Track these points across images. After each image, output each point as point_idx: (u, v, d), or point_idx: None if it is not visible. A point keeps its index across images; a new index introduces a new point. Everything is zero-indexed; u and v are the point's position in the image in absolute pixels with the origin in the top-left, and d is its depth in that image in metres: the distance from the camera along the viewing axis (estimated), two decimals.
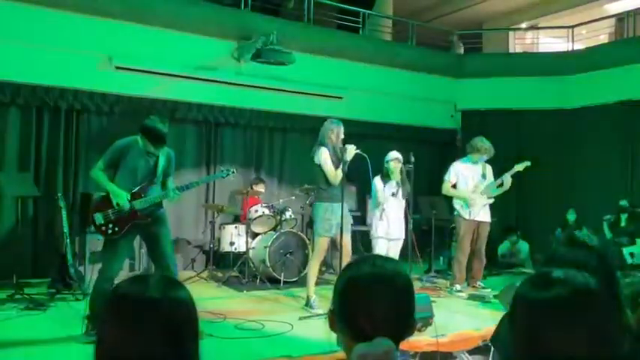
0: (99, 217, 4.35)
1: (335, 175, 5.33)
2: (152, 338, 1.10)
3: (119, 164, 4.42)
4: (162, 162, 4.49)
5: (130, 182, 4.40)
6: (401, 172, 6.01)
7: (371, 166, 5.46)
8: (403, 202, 6.07)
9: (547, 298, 1.09)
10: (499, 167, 6.71)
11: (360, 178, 5.62)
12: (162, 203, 4.57)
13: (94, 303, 4.25)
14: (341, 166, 5.30)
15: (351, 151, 5.25)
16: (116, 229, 4.34)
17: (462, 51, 10.48)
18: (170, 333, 1.11)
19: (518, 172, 6.56)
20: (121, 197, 4.32)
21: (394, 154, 6.06)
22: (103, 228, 4.35)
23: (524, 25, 12.71)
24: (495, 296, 5.97)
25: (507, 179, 6.52)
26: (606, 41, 10.64)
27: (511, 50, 12.02)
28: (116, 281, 4.38)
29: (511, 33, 12.26)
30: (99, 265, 6.52)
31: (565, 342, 1.06)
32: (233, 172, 4.93)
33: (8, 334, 4.47)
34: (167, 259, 4.45)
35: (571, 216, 8.38)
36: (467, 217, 6.51)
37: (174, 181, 4.78)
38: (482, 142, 6.58)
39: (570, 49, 9.86)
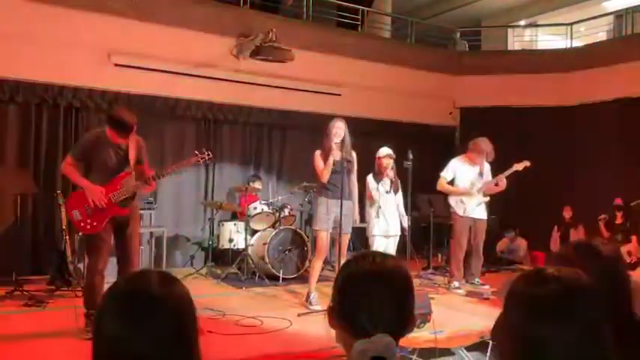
0: (77, 214, 4.29)
1: (321, 172, 5.39)
2: (155, 335, 1.10)
3: (90, 158, 4.35)
4: (132, 151, 4.42)
5: (103, 175, 4.32)
6: (392, 168, 6.00)
7: (369, 163, 5.49)
8: (398, 198, 6.06)
9: (541, 294, 1.11)
10: (497, 164, 6.71)
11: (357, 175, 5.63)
12: (135, 194, 4.48)
13: (88, 298, 4.25)
14: (329, 164, 5.32)
15: (334, 152, 5.32)
16: (95, 223, 4.28)
17: (466, 48, 10.49)
18: (173, 329, 1.12)
19: (516, 171, 6.54)
20: (97, 193, 4.24)
21: (385, 151, 6.05)
22: (82, 224, 4.29)
23: (522, 23, 12.70)
24: (494, 293, 6.00)
25: (502, 180, 6.51)
26: (605, 38, 10.65)
27: (510, 47, 12.02)
28: (108, 274, 4.39)
29: (510, 30, 12.26)
30: None
31: (558, 338, 1.07)
32: (208, 154, 4.79)
33: (8, 331, 4.49)
34: (133, 251, 4.43)
35: (567, 213, 8.40)
36: (461, 214, 6.52)
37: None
38: (486, 144, 6.53)
39: (569, 46, 9.86)
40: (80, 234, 4.52)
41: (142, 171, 4.50)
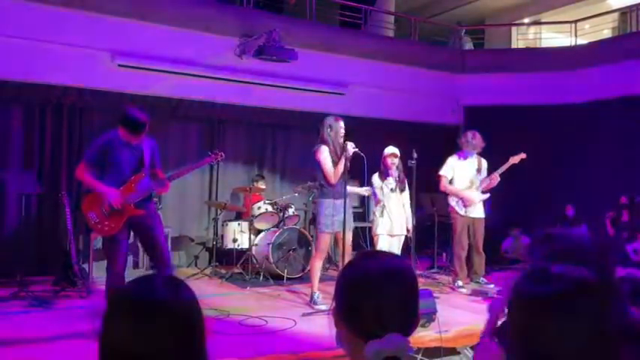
0: (93, 216, 4.32)
1: (334, 173, 5.35)
2: (161, 341, 1.10)
3: (104, 161, 4.35)
4: (147, 153, 4.43)
5: (118, 177, 4.34)
6: (397, 167, 5.98)
7: (373, 162, 5.47)
8: (404, 197, 6.04)
9: (545, 293, 1.09)
10: (501, 163, 6.69)
11: (359, 173, 5.62)
12: (152, 195, 4.55)
13: None
14: (342, 163, 5.30)
15: (350, 149, 5.25)
16: (112, 225, 4.31)
17: (472, 46, 10.46)
18: (179, 333, 1.12)
19: (513, 164, 6.54)
20: (113, 195, 4.27)
21: (390, 149, 6.03)
22: (99, 226, 4.33)
23: (526, 21, 12.66)
24: (499, 291, 5.97)
25: (496, 177, 6.51)
26: (609, 36, 10.60)
27: (513, 46, 11.99)
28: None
29: (514, 28, 12.22)
30: (103, 263, 6.57)
31: (562, 337, 1.06)
32: (222, 155, 4.84)
33: (13, 332, 4.49)
34: (161, 250, 4.45)
35: (570, 211, 8.37)
36: (462, 213, 6.52)
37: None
38: (473, 135, 6.58)
39: (573, 44, 9.82)
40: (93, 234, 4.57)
41: (156, 173, 4.55)
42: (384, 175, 5.96)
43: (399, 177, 5.98)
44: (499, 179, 6.54)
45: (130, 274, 4.78)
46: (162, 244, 4.48)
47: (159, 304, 1.13)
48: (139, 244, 6.25)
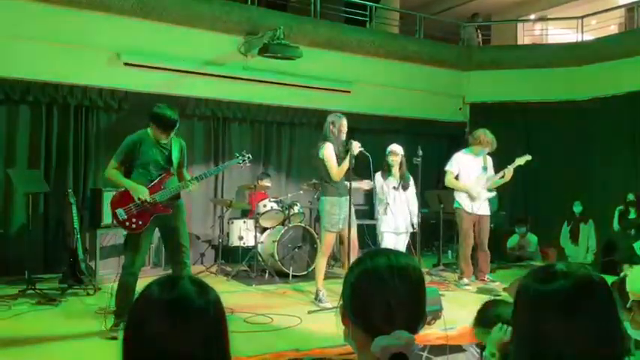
0: (121, 213, 4.34)
1: (338, 170, 5.33)
2: (196, 338, 1.12)
3: (133, 159, 4.40)
4: (175, 152, 4.48)
5: (147, 175, 4.39)
6: (401, 165, 5.97)
7: (377, 160, 5.47)
8: (408, 195, 6.03)
9: (550, 291, 1.10)
10: (506, 160, 6.67)
11: (365, 172, 5.62)
12: (180, 194, 4.58)
13: (119, 298, 4.29)
14: (347, 160, 5.29)
15: (356, 148, 5.24)
16: (140, 222, 4.34)
17: (479, 39, 10.44)
18: (211, 332, 1.15)
19: (519, 165, 6.51)
20: (142, 192, 4.31)
21: (393, 147, 6.02)
22: (127, 223, 4.35)
23: (532, 17, 12.60)
24: (505, 289, 5.96)
25: (509, 171, 6.48)
26: (616, 32, 10.53)
27: (520, 42, 11.92)
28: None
29: (520, 25, 12.15)
30: (109, 260, 6.61)
31: (567, 335, 1.06)
32: (249, 157, 4.91)
33: (21, 329, 4.53)
34: (183, 251, 4.48)
35: (577, 208, 8.33)
36: (469, 210, 6.49)
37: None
38: (485, 135, 6.55)
39: (580, 40, 9.77)
40: (124, 233, 4.61)
41: (182, 172, 4.60)
42: (387, 174, 5.95)
43: (401, 175, 5.96)
44: (512, 173, 6.50)
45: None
46: (184, 246, 4.49)
47: (193, 304, 1.15)
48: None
